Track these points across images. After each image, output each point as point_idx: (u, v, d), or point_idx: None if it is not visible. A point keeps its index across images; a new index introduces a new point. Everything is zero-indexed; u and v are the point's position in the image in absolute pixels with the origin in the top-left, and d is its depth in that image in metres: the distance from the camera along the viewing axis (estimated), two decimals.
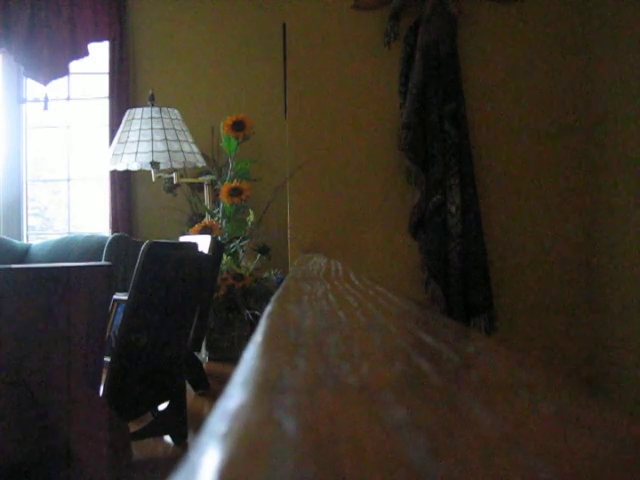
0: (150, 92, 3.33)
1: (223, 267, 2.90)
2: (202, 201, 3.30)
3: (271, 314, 0.54)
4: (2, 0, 3.97)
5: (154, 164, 3.12)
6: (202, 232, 2.81)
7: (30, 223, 4.31)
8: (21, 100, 4.22)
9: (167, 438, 1.75)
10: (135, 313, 1.47)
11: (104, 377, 1.39)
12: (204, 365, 2.70)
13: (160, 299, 1.59)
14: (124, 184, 3.94)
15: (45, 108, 4.09)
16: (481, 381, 0.29)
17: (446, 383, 0.28)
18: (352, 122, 2.62)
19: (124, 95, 3.96)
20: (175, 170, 3.20)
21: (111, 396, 1.37)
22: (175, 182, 3.19)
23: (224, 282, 2.88)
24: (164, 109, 3.28)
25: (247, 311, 2.85)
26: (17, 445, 1.06)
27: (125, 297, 1.56)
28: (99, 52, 4.10)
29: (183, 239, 2.68)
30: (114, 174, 3.84)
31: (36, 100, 4.19)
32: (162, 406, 1.74)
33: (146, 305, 1.52)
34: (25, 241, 4.13)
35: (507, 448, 0.19)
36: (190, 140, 3.31)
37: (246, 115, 3.16)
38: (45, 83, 4.05)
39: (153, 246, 1.49)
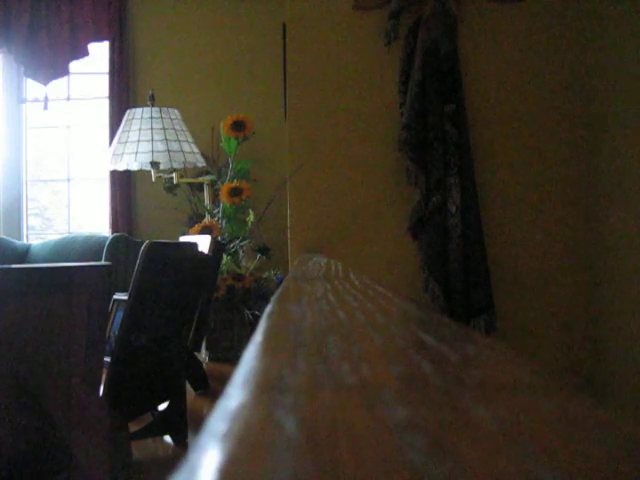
0: (150, 92, 3.33)
1: (223, 267, 2.89)
2: (202, 201, 3.30)
3: (271, 314, 0.54)
4: (2, 0, 3.97)
5: (154, 164, 3.12)
6: (202, 232, 2.81)
7: (30, 223, 4.31)
8: (21, 100, 4.22)
9: (167, 438, 1.75)
10: (135, 313, 1.47)
11: (104, 377, 1.39)
12: (204, 365, 2.70)
13: (160, 299, 1.59)
14: (124, 184, 3.94)
15: (45, 108, 4.09)
16: (481, 381, 0.29)
17: (446, 383, 0.28)
18: (352, 122, 2.62)
19: (124, 95, 3.96)
20: (175, 170, 3.20)
21: (111, 396, 1.37)
22: (175, 182, 3.18)
23: (224, 282, 2.88)
24: (164, 109, 3.28)
25: (247, 311, 2.85)
26: (17, 445, 1.06)
27: (125, 297, 1.56)
28: (99, 52, 4.10)
29: (183, 239, 2.68)
30: (114, 174, 3.84)
31: (36, 100, 4.19)
32: (162, 406, 1.74)
33: (146, 305, 1.52)
34: (25, 241, 4.13)
35: (507, 448, 0.19)
36: (190, 140, 3.32)
37: (246, 115, 3.16)
38: (45, 83, 4.05)
39: (153, 246, 1.49)
